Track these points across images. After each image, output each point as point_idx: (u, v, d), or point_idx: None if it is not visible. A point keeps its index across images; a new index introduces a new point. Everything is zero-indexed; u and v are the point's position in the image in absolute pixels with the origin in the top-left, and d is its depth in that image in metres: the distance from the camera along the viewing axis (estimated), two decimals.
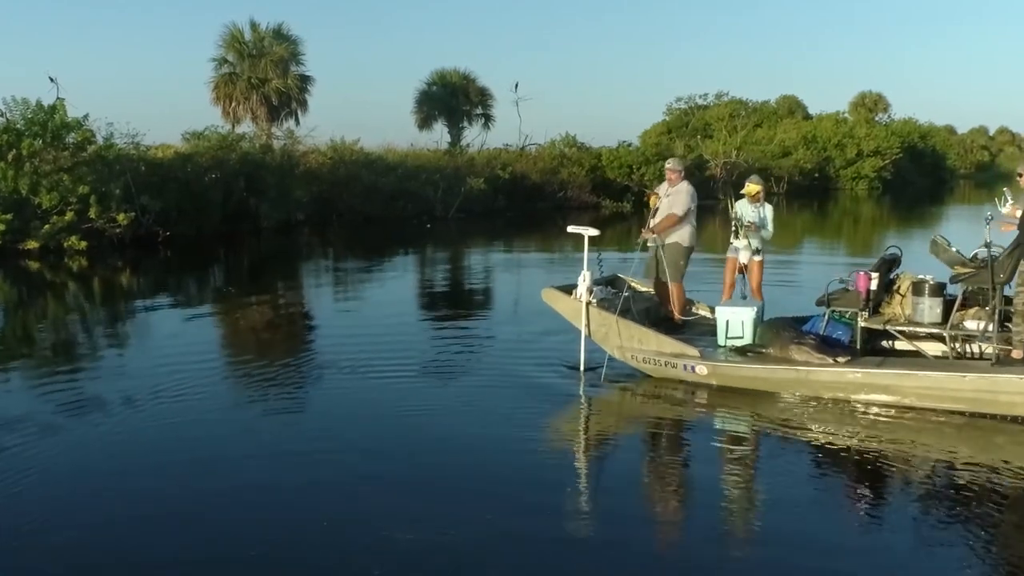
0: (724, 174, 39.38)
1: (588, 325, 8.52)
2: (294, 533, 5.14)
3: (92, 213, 19.29)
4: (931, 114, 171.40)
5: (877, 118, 65.03)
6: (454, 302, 14.29)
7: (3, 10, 73.46)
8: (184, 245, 20.98)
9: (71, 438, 6.93)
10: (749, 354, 8.01)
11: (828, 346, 7.82)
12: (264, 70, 32.75)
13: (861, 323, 7.99)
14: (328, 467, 6.24)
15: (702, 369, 7.97)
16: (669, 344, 8.21)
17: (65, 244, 18.84)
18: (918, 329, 7.88)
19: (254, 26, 33.32)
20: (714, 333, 8.47)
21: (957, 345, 7.75)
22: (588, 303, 8.49)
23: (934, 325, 7.74)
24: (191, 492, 5.82)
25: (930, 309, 7.75)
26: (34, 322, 12.65)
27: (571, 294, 8.70)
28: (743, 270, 9.26)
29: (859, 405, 7.48)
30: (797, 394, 7.71)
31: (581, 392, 8.25)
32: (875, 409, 7.40)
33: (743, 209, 9.33)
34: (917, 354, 7.93)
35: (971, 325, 7.66)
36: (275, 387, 8.59)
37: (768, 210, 9.43)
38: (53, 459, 6.43)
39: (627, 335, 8.35)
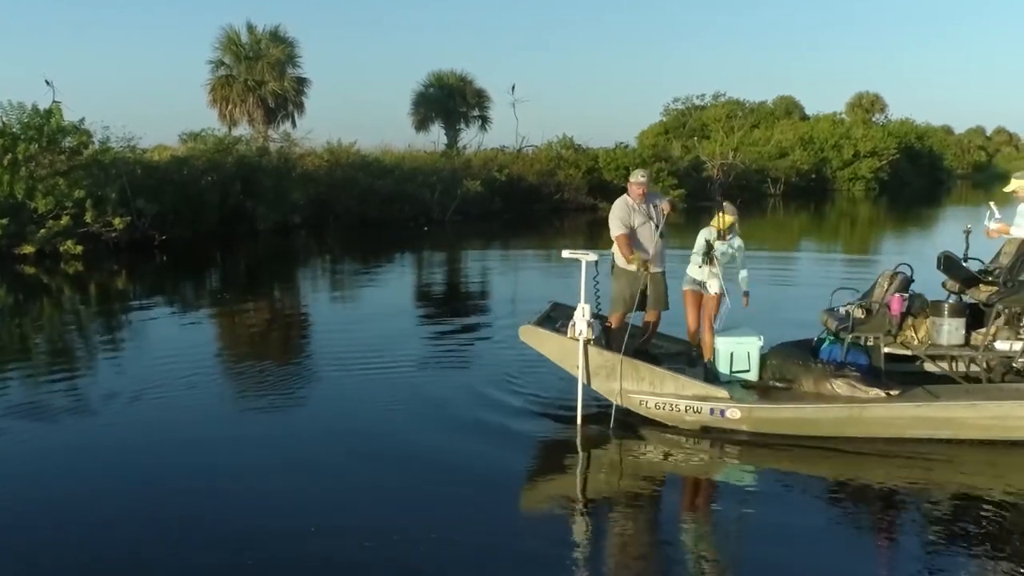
0: (721, 175, 39.40)
1: (587, 368, 7.26)
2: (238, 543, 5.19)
3: (88, 217, 19.31)
4: (928, 114, 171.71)
5: (874, 119, 65.20)
6: (449, 309, 14.20)
7: (3, 10, 73.42)
8: (180, 248, 20.96)
9: (27, 442, 7.08)
10: (771, 391, 7.14)
11: (872, 376, 7.02)
12: (261, 72, 32.74)
13: (885, 348, 7.33)
14: (290, 490, 6.04)
15: (734, 413, 6.91)
16: (692, 386, 7.07)
17: (61, 248, 18.84)
18: (952, 353, 7.34)
19: (251, 28, 33.38)
20: (689, 364, 7.73)
21: (993, 365, 7.26)
22: (587, 341, 7.24)
23: (958, 347, 7.28)
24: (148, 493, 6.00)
25: (954, 330, 7.25)
26: (27, 326, 12.64)
27: (556, 330, 7.50)
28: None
29: (908, 441, 6.71)
30: (844, 435, 6.80)
31: (578, 441, 7.07)
32: (919, 444, 6.71)
33: (709, 237, 7.68)
34: (948, 378, 7.39)
35: (1002, 346, 7.21)
36: (245, 393, 8.67)
37: (740, 244, 7.86)
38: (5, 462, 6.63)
39: (635, 377, 7.17)
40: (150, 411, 7.88)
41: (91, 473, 6.45)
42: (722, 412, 6.93)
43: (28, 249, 18.63)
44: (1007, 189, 8.02)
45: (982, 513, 5.69)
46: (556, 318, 7.93)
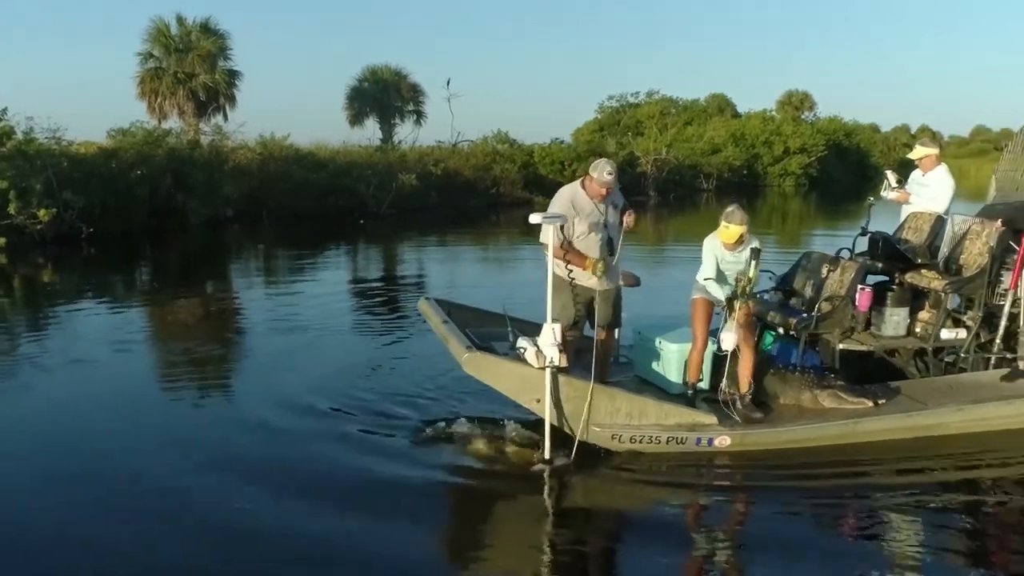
0: (655, 171, 39.90)
1: (556, 400, 5.94)
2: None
3: (12, 209, 18.81)
4: (856, 112, 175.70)
5: (803, 116, 66.36)
6: (384, 303, 14.04)
7: None
8: (109, 242, 20.48)
9: None
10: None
11: (857, 384, 6.65)
12: (191, 65, 32.16)
13: (840, 345, 7.04)
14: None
15: (723, 440, 6.16)
16: (675, 413, 6.18)
17: None
18: (902, 345, 7.22)
19: (180, 20, 32.74)
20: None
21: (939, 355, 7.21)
22: (557, 369, 5.86)
23: (905, 338, 7.18)
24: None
25: (901, 320, 7.13)
26: None
27: (489, 349, 6.31)
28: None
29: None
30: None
31: (545, 489, 5.85)
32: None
33: (718, 253, 6.35)
34: (900, 374, 7.28)
35: (947, 335, 7.12)
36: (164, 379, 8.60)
37: (748, 256, 6.26)
38: None
39: (610, 409, 6.06)
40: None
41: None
42: (710, 441, 6.15)
43: None
44: (911, 156, 8.21)
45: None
46: (457, 322, 6.69)
